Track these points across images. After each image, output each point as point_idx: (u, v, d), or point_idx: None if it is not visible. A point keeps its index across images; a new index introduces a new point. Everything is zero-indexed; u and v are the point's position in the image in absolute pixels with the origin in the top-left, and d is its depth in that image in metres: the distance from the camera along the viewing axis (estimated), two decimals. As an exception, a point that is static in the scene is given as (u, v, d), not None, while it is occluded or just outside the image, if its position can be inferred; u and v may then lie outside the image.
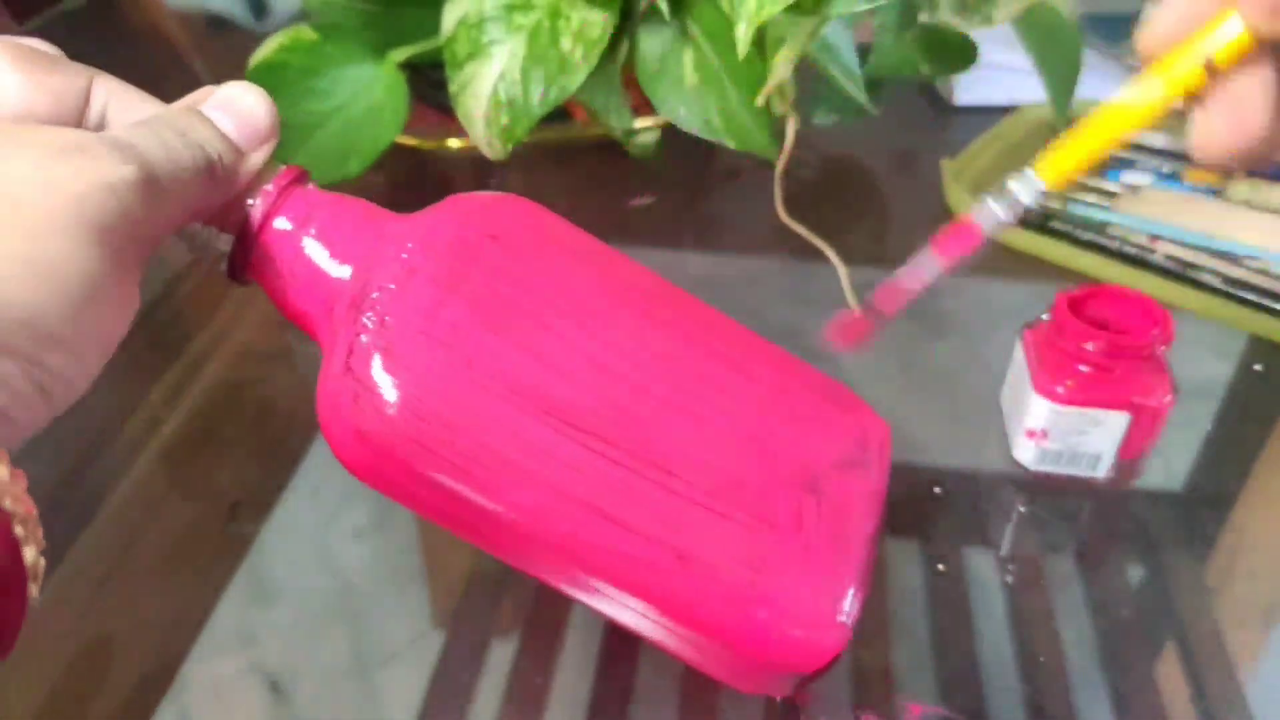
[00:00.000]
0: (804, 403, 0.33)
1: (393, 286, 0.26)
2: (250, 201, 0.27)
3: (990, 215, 0.30)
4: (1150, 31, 0.27)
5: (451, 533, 0.28)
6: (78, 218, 0.21)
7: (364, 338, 0.26)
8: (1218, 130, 0.26)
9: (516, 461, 0.26)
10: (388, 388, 0.25)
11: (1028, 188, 0.30)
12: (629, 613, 0.29)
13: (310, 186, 0.28)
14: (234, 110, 0.26)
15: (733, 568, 0.28)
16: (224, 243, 0.27)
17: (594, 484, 0.27)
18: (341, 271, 0.27)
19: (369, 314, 0.26)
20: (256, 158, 0.27)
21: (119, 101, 0.26)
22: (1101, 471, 0.41)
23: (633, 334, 0.29)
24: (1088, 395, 0.39)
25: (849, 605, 0.29)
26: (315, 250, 0.27)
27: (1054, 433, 0.40)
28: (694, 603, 0.28)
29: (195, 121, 0.25)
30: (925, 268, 0.32)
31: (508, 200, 0.30)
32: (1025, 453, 0.42)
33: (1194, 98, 0.26)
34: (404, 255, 0.27)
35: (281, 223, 0.27)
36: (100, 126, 0.26)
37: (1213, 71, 0.25)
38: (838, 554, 0.29)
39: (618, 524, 0.27)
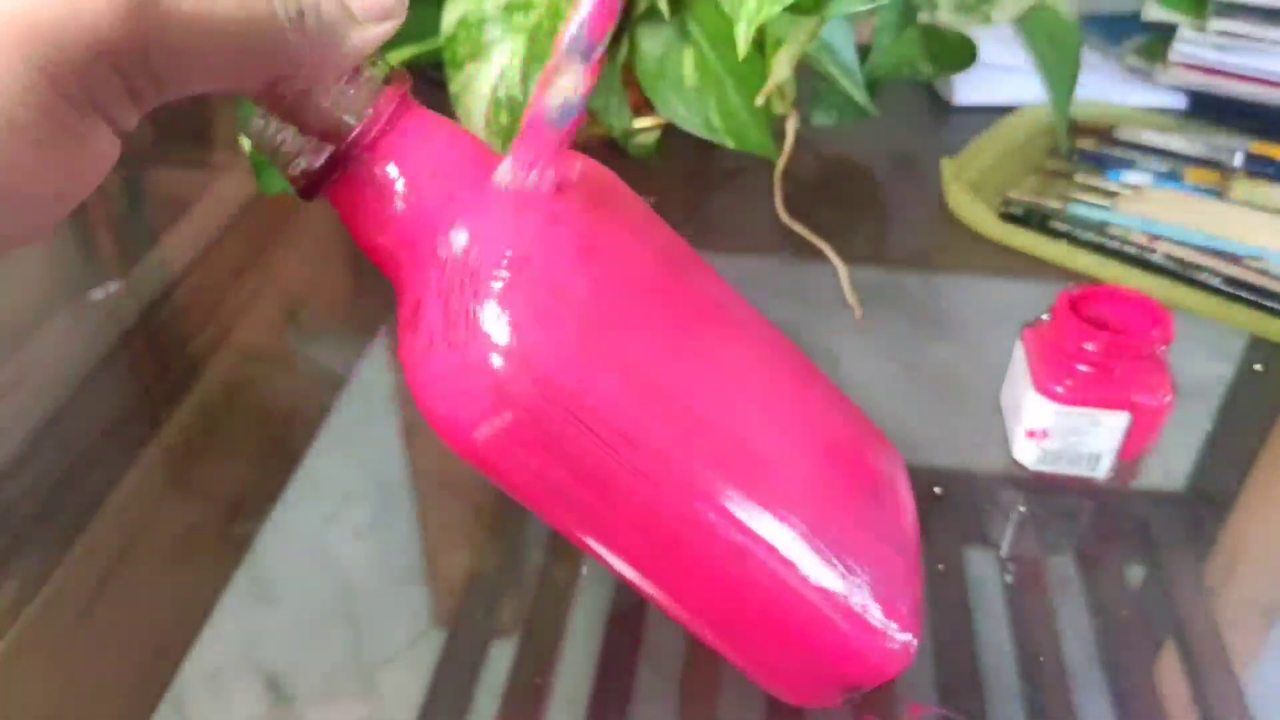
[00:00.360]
0: (855, 418, 0.33)
1: (520, 250, 0.24)
2: (350, 109, 0.23)
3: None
4: None
5: (549, 520, 0.27)
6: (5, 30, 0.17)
7: (491, 301, 0.23)
8: None
9: (642, 439, 0.25)
10: (528, 350, 0.23)
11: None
12: (709, 614, 0.29)
13: (416, 105, 0.24)
14: None
15: (822, 574, 0.27)
16: (306, 151, 0.23)
17: (711, 475, 0.26)
18: (449, 219, 0.24)
19: (497, 275, 0.23)
20: (374, 32, 0.22)
21: None
22: (1102, 471, 0.41)
23: (729, 347, 0.29)
24: (1088, 395, 0.39)
25: (916, 617, 0.29)
26: (422, 188, 0.24)
27: (1054, 433, 0.40)
28: (782, 607, 0.27)
29: None
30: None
31: (610, 174, 0.29)
32: (1026, 453, 0.42)
33: None
34: (534, 218, 0.24)
35: (386, 146, 0.23)
36: None
37: None
38: (907, 566, 0.30)
39: (726, 517, 0.26)
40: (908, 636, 0.29)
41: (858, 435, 0.33)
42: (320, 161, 0.23)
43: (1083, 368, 0.39)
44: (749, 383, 0.28)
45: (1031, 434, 0.41)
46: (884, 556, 0.29)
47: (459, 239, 0.24)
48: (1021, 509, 0.41)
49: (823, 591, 0.27)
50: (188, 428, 0.46)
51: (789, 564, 0.27)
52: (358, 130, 0.23)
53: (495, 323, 0.23)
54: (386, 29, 0.22)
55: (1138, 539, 0.40)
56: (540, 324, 0.23)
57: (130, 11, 0.17)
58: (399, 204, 0.24)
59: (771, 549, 0.27)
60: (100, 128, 0.19)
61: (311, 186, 0.24)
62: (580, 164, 0.28)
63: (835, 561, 0.28)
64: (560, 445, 0.24)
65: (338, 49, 0.21)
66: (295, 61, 0.20)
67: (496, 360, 0.23)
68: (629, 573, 0.28)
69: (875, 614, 0.28)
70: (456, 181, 0.24)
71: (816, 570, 0.27)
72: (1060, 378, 0.40)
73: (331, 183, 0.24)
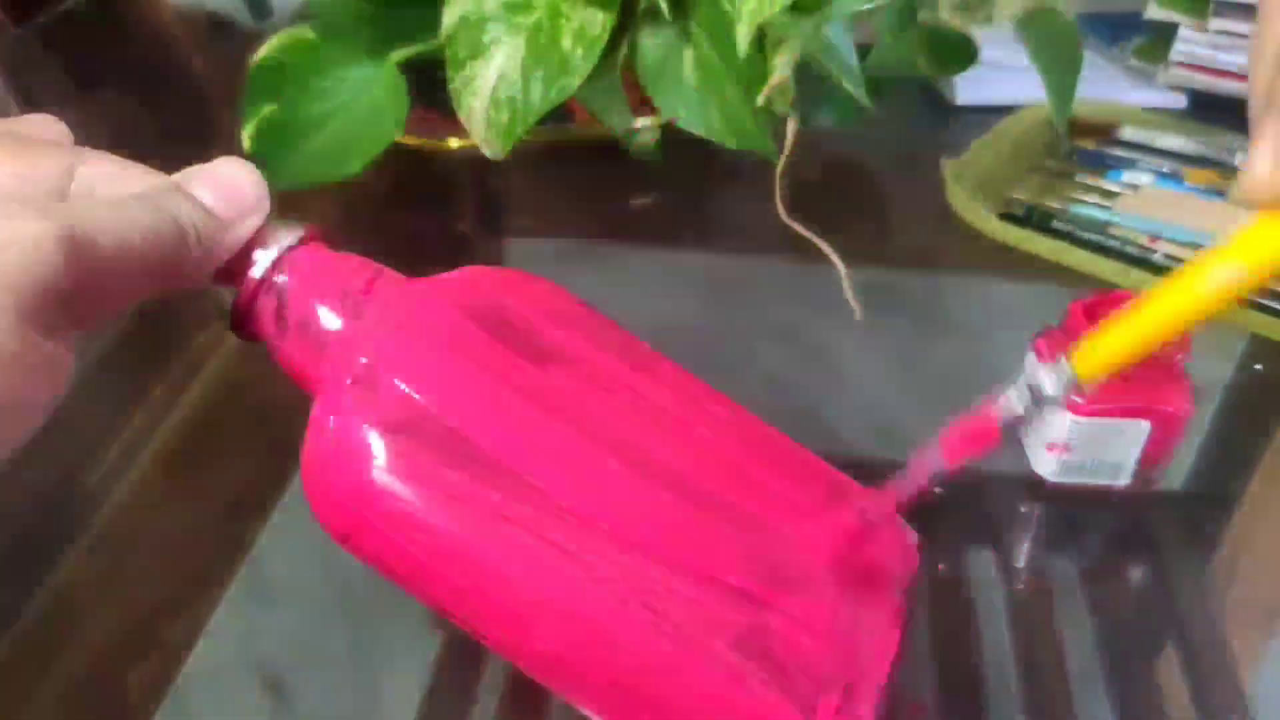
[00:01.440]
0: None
1: (382, 353, 0.27)
2: (248, 265, 0.28)
3: (1010, 409, 0.27)
4: (1256, 179, 0.23)
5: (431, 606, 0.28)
6: None
7: (350, 399, 0.26)
8: None
9: (492, 562, 0.26)
10: (365, 453, 0.26)
11: (1059, 378, 0.26)
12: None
13: (320, 247, 0.29)
14: (216, 182, 0.27)
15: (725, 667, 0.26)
16: (228, 297, 0.28)
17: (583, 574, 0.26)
18: (330, 334, 0.28)
19: (357, 377, 0.27)
20: (242, 228, 0.27)
21: (109, 183, 0.25)
22: (1123, 481, 0.41)
23: (642, 436, 0.28)
24: (1109, 405, 0.39)
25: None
26: (308, 312, 0.28)
27: (1075, 445, 0.40)
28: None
29: (172, 193, 0.26)
30: (931, 465, 0.28)
31: (521, 278, 0.31)
32: (1046, 466, 0.41)
33: None
34: (397, 326, 0.27)
35: (277, 284, 0.28)
36: None
37: None
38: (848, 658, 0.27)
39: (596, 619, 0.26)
40: None
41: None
42: (226, 301, 0.28)
43: None
44: (653, 480, 0.27)
45: (1052, 447, 0.41)
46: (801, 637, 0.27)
47: (333, 352, 0.28)
48: (1022, 508, 0.41)
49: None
50: (189, 427, 0.46)
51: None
52: (247, 277, 0.28)
53: (341, 432, 0.26)
54: (254, 221, 0.27)
55: (1139, 540, 0.40)
56: (387, 435, 0.26)
57: (66, 250, 0.22)
58: (289, 330, 0.28)
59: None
60: (61, 347, 0.23)
61: (234, 324, 0.28)
62: (471, 279, 0.30)
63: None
64: (396, 546, 0.26)
65: (219, 251, 0.26)
66: (189, 267, 0.26)
67: (341, 462, 0.26)
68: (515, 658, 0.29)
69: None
70: (336, 303, 0.28)
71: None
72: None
73: (248, 324, 0.28)
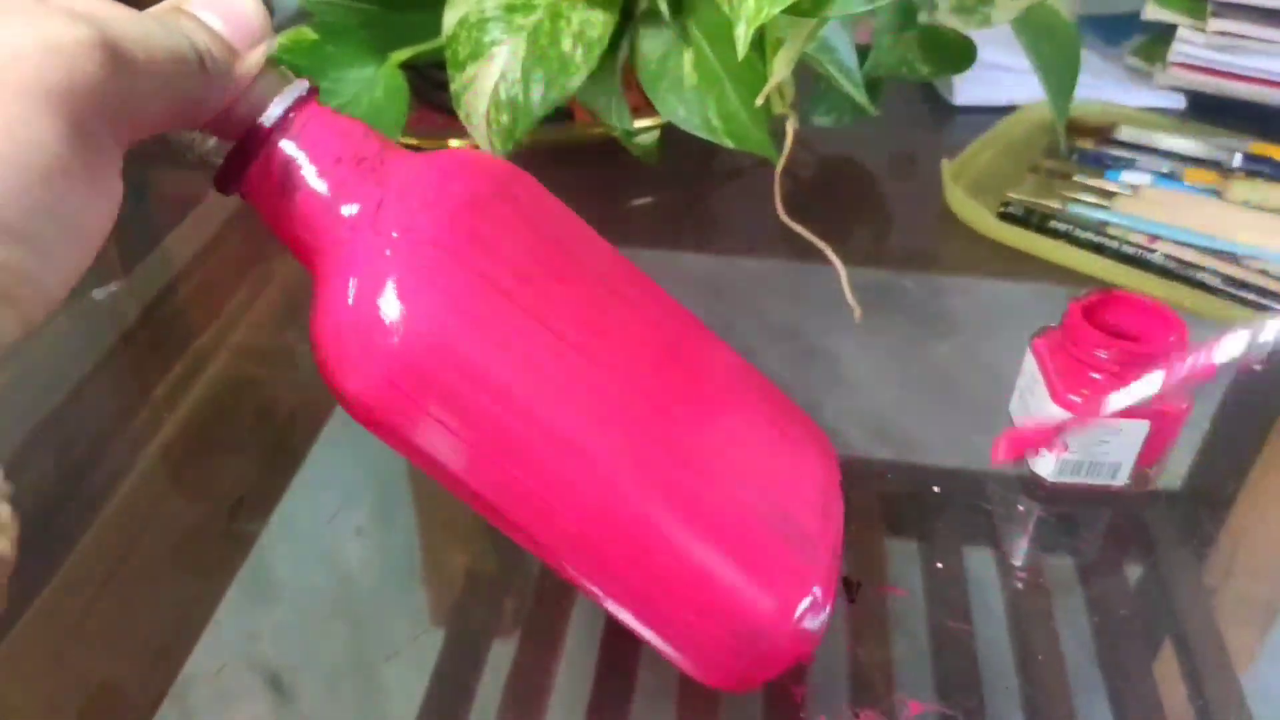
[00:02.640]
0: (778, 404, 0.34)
1: (411, 218, 0.26)
2: (255, 111, 0.25)
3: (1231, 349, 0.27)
4: None
5: (444, 484, 0.28)
6: (18, 79, 0.19)
7: (382, 266, 0.25)
8: None
9: (528, 407, 0.26)
10: (410, 316, 0.25)
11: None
12: (600, 574, 0.29)
13: (319, 105, 0.27)
14: (221, 7, 0.25)
15: (721, 550, 0.28)
16: (218, 150, 0.26)
17: (607, 442, 0.27)
18: (350, 198, 0.26)
19: (387, 244, 0.25)
20: (252, 58, 0.25)
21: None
22: (1121, 480, 0.41)
23: (629, 324, 0.30)
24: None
25: (812, 609, 0.30)
26: (323, 173, 0.26)
27: (1074, 444, 0.40)
28: (680, 580, 0.28)
29: (178, 14, 0.24)
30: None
31: (512, 167, 0.30)
32: (1045, 465, 0.41)
33: None
34: (425, 190, 0.26)
35: (289, 138, 0.26)
36: None
37: None
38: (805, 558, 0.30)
39: (623, 484, 0.27)
40: (803, 606, 0.29)
41: (774, 414, 0.33)
42: (208, 150, 0.26)
43: (1098, 376, 0.39)
44: (641, 355, 0.29)
45: (1050, 446, 0.41)
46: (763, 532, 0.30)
47: (352, 220, 0.26)
48: (1020, 507, 0.41)
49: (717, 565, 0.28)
50: (190, 427, 0.46)
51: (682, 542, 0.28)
52: (256, 124, 0.25)
53: (382, 291, 0.25)
54: (261, 51, 0.25)
55: (1137, 538, 0.40)
56: (422, 290, 0.25)
57: (105, 59, 0.20)
58: (298, 190, 0.26)
59: (647, 498, 0.28)
60: (113, 164, 0.21)
61: (223, 178, 0.26)
62: (477, 160, 0.29)
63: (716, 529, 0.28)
64: (446, 407, 0.25)
65: (229, 78, 0.25)
66: (203, 96, 0.24)
67: (381, 322, 0.25)
68: (525, 537, 0.29)
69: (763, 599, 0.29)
70: (352, 168, 0.26)
71: (693, 539, 0.28)
72: (1077, 387, 0.40)
73: (243, 177, 0.26)
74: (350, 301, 0.25)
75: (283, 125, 0.25)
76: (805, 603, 0.29)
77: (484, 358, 0.25)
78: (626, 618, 0.30)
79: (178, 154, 0.26)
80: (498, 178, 0.29)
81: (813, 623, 0.30)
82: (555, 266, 0.28)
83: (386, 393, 0.25)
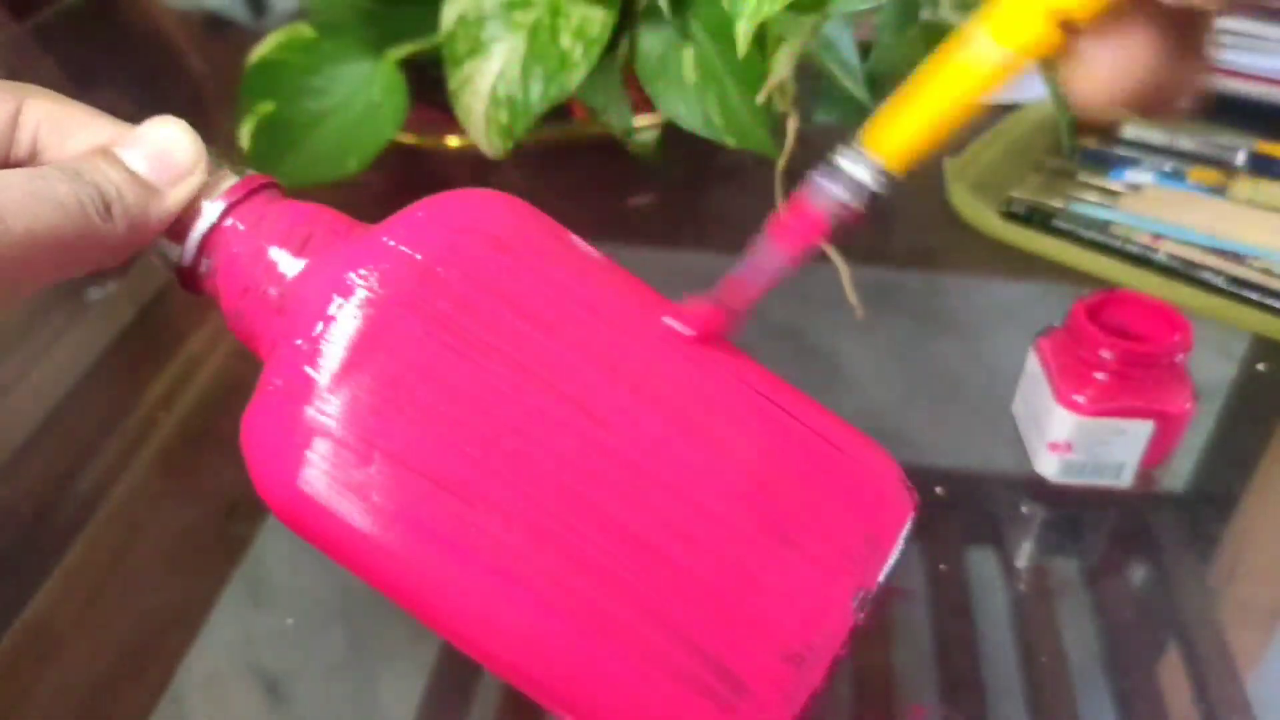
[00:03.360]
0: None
1: (329, 314, 0.24)
2: (199, 214, 0.26)
3: (827, 195, 0.26)
4: None
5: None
6: None
7: (303, 367, 0.23)
8: (1096, 82, 0.22)
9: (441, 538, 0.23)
10: (298, 450, 0.23)
11: (862, 167, 0.25)
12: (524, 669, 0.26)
13: (273, 196, 0.26)
14: (148, 147, 0.25)
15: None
16: (174, 253, 0.26)
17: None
18: (277, 288, 0.25)
19: (300, 342, 0.24)
20: (176, 193, 0.25)
21: (54, 125, 0.24)
22: (1125, 480, 0.41)
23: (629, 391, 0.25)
24: (1111, 405, 0.39)
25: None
26: (255, 265, 0.25)
27: (1078, 444, 0.40)
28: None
29: (98, 161, 0.24)
30: (767, 261, 0.27)
31: (490, 201, 0.27)
32: (1048, 465, 0.41)
33: (1054, 55, 0.22)
34: (352, 275, 0.24)
35: (225, 237, 0.25)
36: (32, 154, 0.25)
37: (1071, 29, 0.21)
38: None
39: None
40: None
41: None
42: (175, 258, 0.26)
43: (1102, 376, 0.39)
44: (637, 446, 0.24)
45: (1054, 447, 0.41)
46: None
47: (280, 309, 0.25)
48: (1023, 509, 0.41)
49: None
50: (185, 427, 0.46)
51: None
52: (196, 228, 0.25)
53: (268, 423, 0.24)
54: (189, 187, 0.25)
55: (1140, 540, 0.40)
56: (342, 384, 0.23)
57: None
58: (239, 283, 0.26)
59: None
60: None
61: (182, 280, 0.26)
62: (425, 217, 0.26)
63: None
64: (328, 550, 0.25)
65: (147, 222, 0.24)
66: (113, 244, 0.24)
67: (300, 415, 0.23)
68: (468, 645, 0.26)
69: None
70: (286, 254, 0.25)
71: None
72: (1081, 388, 0.39)
73: (196, 275, 0.26)
74: (249, 422, 0.24)
75: (214, 233, 0.25)
76: None
77: (366, 525, 0.24)
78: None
79: (159, 260, 0.27)
80: (457, 238, 0.25)
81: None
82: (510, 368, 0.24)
83: (283, 512, 0.25)
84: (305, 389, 0.23)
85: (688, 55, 0.52)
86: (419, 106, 0.58)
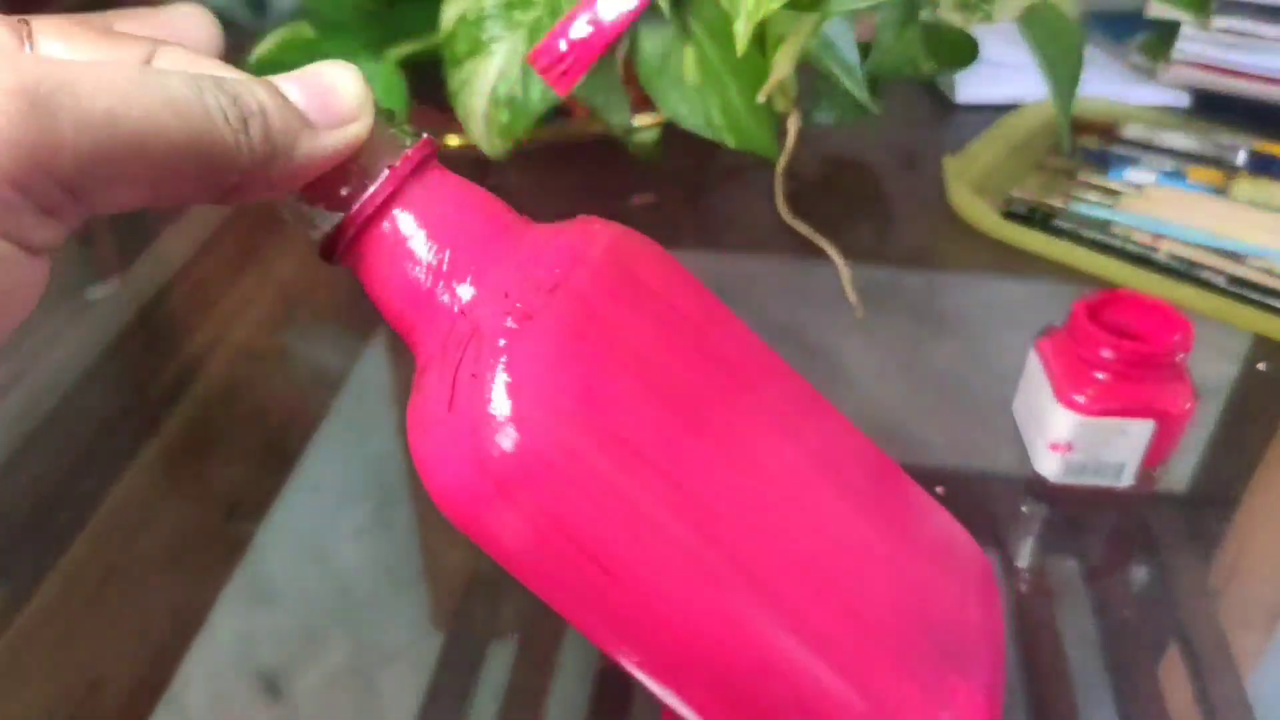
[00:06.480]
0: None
1: (531, 311, 0.23)
2: (357, 184, 0.23)
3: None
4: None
5: (554, 605, 0.26)
6: None
7: (493, 366, 0.22)
8: None
9: (640, 545, 0.23)
10: (522, 429, 0.21)
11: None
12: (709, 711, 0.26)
13: (441, 174, 0.24)
14: (308, 80, 0.22)
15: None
16: (323, 220, 0.23)
17: (721, 569, 0.24)
18: (462, 280, 0.24)
19: (499, 339, 0.22)
20: (333, 136, 0.21)
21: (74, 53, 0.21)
22: (1125, 480, 0.41)
23: (761, 435, 0.26)
24: (1112, 404, 0.39)
25: None
26: (433, 253, 0.23)
27: (1078, 444, 0.40)
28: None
29: (251, 82, 0.20)
30: None
31: (644, 240, 0.27)
32: (1049, 465, 0.41)
33: None
34: (545, 276, 0.23)
35: (397, 213, 0.23)
36: None
37: None
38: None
39: (735, 616, 0.24)
40: None
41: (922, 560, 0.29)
42: (329, 228, 0.23)
43: (1103, 376, 0.39)
44: (778, 475, 0.26)
45: (1055, 446, 0.40)
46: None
47: (464, 303, 0.23)
48: (1024, 509, 0.41)
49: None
50: (185, 427, 0.46)
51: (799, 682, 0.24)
52: (364, 198, 0.23)
53: (492, 392, 0.22)
54: (351, 134, 0.22)
55: (1140, 540, 0.40)
56: (539, 395, 0.22)
57: (25, 115, 0.16)
58: (406, 267, 0.24)
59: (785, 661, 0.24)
60: (8, 254, 0.17)
61: (327, 252, 0.24)
62: (605, 232, 0.26)
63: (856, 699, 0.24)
64: (557, 523, 0.22)
65: (293, 155, 0.21)
66: (241, 172, 0.20)
67: (489, 431, 0.22)
68: (632, 660, 0.26)
69: None
70: (468, 244, 0.24)
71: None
72: (1082, 387, 0.39)
73: (347, 249, 0.24)
74: (449, 402, 0.22)
75: (390, 198, 0.23)
76: None
77: (605, 489, 0.22)
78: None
79: (287, 211, 0.24)
80: (627, 264, 0.25)
81: None
82: (687, 372, 0.25)
83: (481, 508, 0.22)
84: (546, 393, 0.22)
85: (688, 55, 0.52)
86: (419, 106, 0.58)
